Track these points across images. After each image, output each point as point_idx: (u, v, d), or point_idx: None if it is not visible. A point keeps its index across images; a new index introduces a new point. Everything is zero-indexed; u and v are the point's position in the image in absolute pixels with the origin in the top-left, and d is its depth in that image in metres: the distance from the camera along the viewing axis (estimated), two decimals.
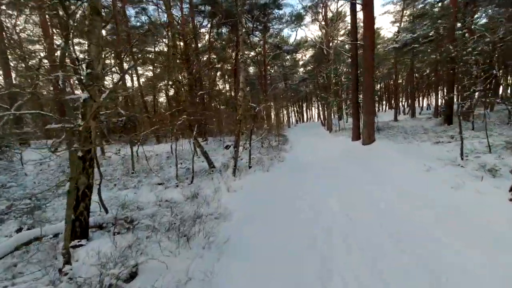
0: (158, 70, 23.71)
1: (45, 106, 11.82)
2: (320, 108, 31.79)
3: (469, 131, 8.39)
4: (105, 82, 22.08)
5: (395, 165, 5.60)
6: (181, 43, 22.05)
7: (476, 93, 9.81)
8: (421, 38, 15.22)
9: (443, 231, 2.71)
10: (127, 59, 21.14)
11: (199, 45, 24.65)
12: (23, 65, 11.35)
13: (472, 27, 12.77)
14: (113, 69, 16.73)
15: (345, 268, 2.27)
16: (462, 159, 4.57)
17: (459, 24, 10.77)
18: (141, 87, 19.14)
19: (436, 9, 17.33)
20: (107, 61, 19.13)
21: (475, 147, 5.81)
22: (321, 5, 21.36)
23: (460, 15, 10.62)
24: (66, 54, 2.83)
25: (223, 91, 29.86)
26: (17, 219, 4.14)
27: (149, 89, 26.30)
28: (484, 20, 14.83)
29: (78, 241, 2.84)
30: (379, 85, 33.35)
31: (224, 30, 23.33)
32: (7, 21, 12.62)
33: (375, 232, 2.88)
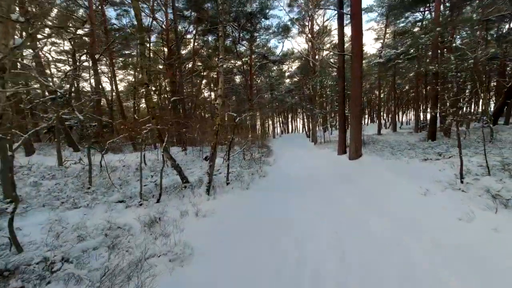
0: (140, 76, 22.54)
1: None
2: (305, 120, 31.84)
3: (454, 148, 8.19)
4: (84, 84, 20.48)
5: (389, 187, 5.06)
6: (165, 49, 21.23)
7: (460, 110, 9.89)
8: (403, 54, 15.58)
9: (457, 281, 2.09)
10: (106, 61, 19.88)
11: (184, 52, 23.96)
12: None
13: (453, 45, 13.20)
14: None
15: None
16: (461, 182, 4.09)
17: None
18: (118, 91, 17.85)
19: (417, 29, 18.03)
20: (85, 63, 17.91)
21: (468, 168, 5.43)
22: (308, 18, 21.63)
23: (443, 32, 10.79)
24: None
25: (208, 100, 29.06)
26: None
27: (130, 94, 24.90)
28: (458, 42, 15.44)
29: None
30: (362, 99, 34.23)
31: (210, 38, 22.89)
32: None
33: (376, 280, 2.19)
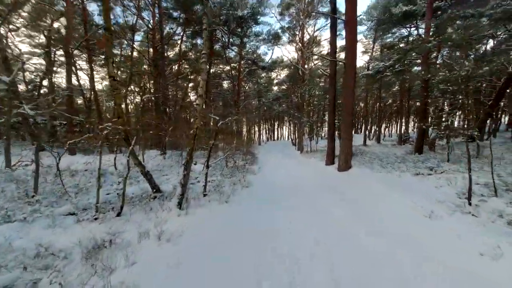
0: (124, 75, 21.13)
1: None
2: (292, 128, 31.65)
3: (445, 163, 7.95)
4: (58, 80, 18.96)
5: (386, 205, 4.49)
6: (151, 50, 20.20)
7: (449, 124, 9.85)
8: (391, 67, 15.74)
9: None
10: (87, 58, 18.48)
11: (172, 54, 23.02)
12: None
13: (439, 60, 13.43)
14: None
15: None
16: (469, 204, 3.59)
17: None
18: (95, 89, 16.55)
19: (402, 44, 18.47)
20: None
21: (467, 186, 5.02)
22: (299, 27, 21.62)
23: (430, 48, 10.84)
24: None
25: (195, 103, 28.03)
26: None
27: (112, 93, 23.34)
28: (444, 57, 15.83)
29: None
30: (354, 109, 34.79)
31: (199, 41, 22.21)
32: None
33: None
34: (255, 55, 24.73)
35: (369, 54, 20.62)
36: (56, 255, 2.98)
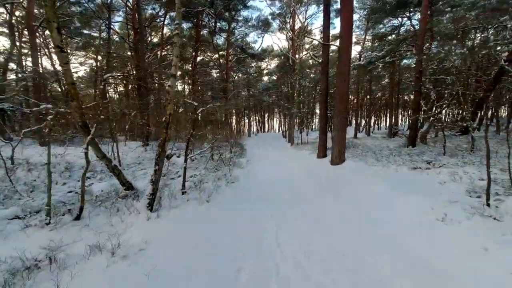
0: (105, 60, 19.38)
1: None
2: (282, 120, 31.08)
3: (443, 157, 7.59)
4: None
5: (388, 205, 3.97)
6: (132, 32, 18.61)
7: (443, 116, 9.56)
8: (383, 58, 15.33)
9: None
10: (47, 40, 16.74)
11: (155, 39, 21.50)
12: None
13: (429, 52, 13.10)
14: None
15: None
16: (488, 205, 3.11)
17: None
18: (57, 71, 15.03)
19: (394, 36, 18.07)
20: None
21: (473, 182, 4.61)
22: (290, 13, 20.68)
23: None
24: None
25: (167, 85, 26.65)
26: None
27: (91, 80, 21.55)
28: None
29: None
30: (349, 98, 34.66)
31: (184, 25, 20.82)
32: None
33: None
34: (244, 42, 23.64)
35: (361, 44, 20.10)
36: None
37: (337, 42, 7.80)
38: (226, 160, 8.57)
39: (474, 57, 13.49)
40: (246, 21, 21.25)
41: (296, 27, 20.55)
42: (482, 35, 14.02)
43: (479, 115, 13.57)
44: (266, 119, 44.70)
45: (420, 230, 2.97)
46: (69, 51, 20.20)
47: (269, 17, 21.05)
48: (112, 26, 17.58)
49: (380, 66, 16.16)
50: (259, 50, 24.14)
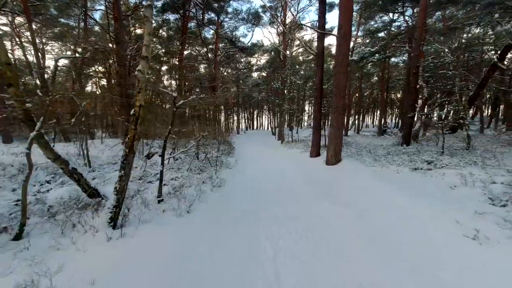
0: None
1: None
2: (271, 117, 30.44)
3: (442, 157, 7.19)
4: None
5: (403, 218, 3.36)
6: (112, 22, 17.12)
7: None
8: (377, 54, 15.00)
9: None
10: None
11: (139, 31, 20.10)
12: None
13: (423, 49, 12.82)
14: None
15: None
16: None
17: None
18: (43, 65, 13.65)
19: (385, 31, 17.83)
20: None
21: (487, 187, 4.13)
22: (281, 7, 19.95)
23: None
24: None
25: (169, 89, 25.26)
26: None
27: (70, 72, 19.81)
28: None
29: None
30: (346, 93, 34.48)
31: (171, 17, 19.62)
32: None
33: None
34: (233, 36, 22.65)
35: (353, 40, 19.73)
36: None
37: (334, 31, 7.17)
38: (213, 159, 7.79)
39: (465, 53, 13.43)
40: (236, 13, 20.29)
41: (288, 20, 19.88)
42: (474, 32, 13.95)
43: (471, 112, 13.55)
44: (255, 116, 43.98)
45: (448, 252, 2.39)
46: (43, 40, 18.52)
47: (260, 10, 20.20)
48: (91, 15, 16.15)
49: (374, 61, 15.81)
50: (249, 44, 23.24)
